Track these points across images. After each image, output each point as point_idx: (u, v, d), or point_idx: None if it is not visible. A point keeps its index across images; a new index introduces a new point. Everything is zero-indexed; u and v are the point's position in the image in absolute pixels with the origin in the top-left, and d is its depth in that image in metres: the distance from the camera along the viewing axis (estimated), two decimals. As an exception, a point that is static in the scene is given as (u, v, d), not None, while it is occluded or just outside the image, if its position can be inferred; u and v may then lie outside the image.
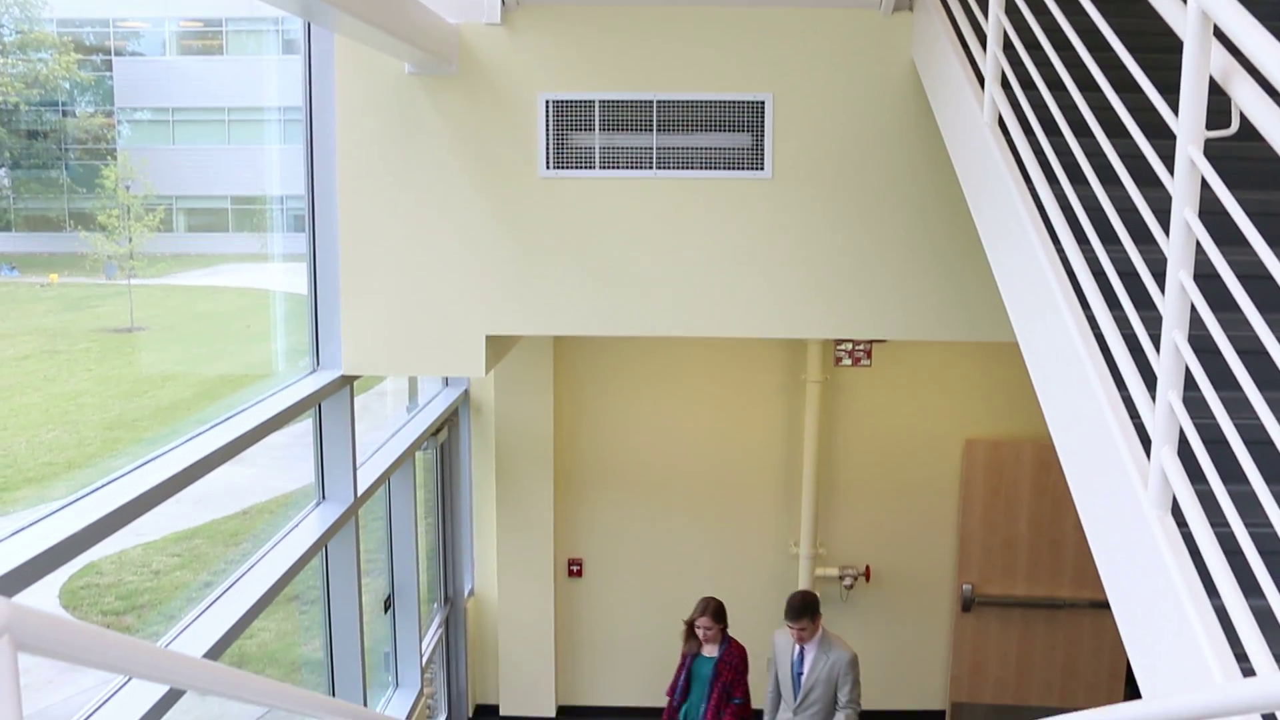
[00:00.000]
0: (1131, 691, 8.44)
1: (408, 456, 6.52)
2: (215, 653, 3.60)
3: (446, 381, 8.22)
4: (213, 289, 5.95)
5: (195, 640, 3.64)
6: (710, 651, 6.73)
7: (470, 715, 8.77)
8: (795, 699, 6.44)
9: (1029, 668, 8.86)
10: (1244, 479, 2.13)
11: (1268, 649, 2.04)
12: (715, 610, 6.68)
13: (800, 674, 6.40)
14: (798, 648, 6.42)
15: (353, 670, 5.42)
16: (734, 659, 6.71)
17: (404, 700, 6.94)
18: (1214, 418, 2.23)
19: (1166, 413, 2.37)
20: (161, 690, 3.16)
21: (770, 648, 6.68)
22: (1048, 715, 2.76)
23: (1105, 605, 8.90)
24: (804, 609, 6.28)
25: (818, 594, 6.59)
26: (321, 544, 4.88)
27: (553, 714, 8.88)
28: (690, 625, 6.76)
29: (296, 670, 6.10)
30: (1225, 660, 2.17)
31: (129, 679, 3.21)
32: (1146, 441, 2.53)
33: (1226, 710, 1.93)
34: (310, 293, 5.36)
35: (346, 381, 5.33)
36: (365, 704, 5.66)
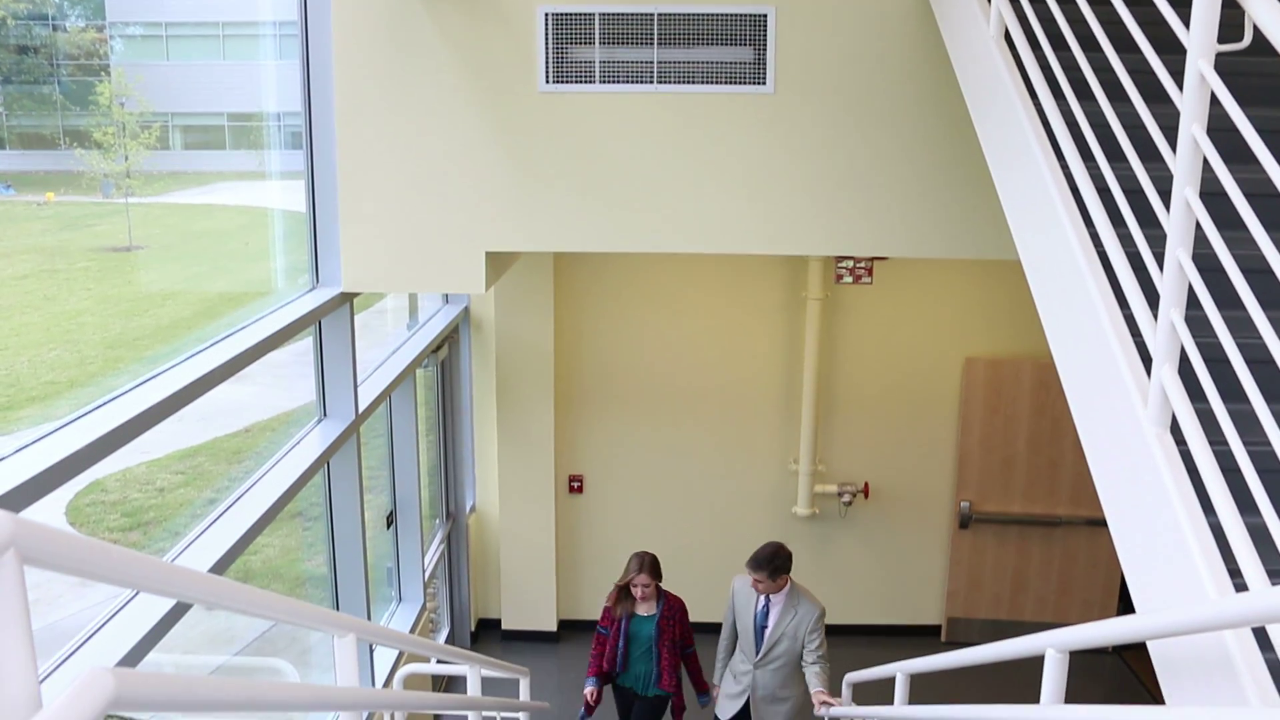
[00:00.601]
0: (1125, 608, 8.57)
1: (408, 374, 6.53)
2: (220, 568, 3.64)
3: (447, 299, 8.21)
4: (210, 207, 5.89)
5: (200, 556, 3.68)
6: (647, 610, 6.16)
7: (473, 629, 8.90)
8: (757, 652, 5.96)
9: (1024, 584, 8.98)
10: (1244, 398, 2.13)
11: (1261, 565, 2.06)
12: (652, 565, 6.08)
13: (764, 627, 5.92)
14: (763, 599, 5.93)
15: (356, 585, 5.49)
16: (677, 612, 6.21)
17: (407, 614, 7.03)
18: (1216, 336, 2.23)
19: (1168, 331, 2.37)
20: (168, 604, 3.20)
21: (729, 595, 6.14)
22: (1042, 630, 2.80)
23: (1101, 523, 9.00)
24: (769, 562, 5.72)
25: (791, 551, 5.90)
26: (323, 461, 4.91)
27: (554, 628, 9.02)
28: (624, 587, 6.11)
29: (301, 585, 6.18)
30: (1219, 576, 2.19)
31: (136, 593, 3.25)
32: (1147, 360, 2.53)
33: (1218, 624, 1.96)
34: (309, 210, 5.32)
35: (346, 299, 5.32)
36: (369, 618, 5.74)
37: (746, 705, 6.04)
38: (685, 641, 6.22)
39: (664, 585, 6.25)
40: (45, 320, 4.51)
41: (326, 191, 5.30)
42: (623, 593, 6.11)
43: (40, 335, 4.45)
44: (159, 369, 3.75)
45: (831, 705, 5.47)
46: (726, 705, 6.14)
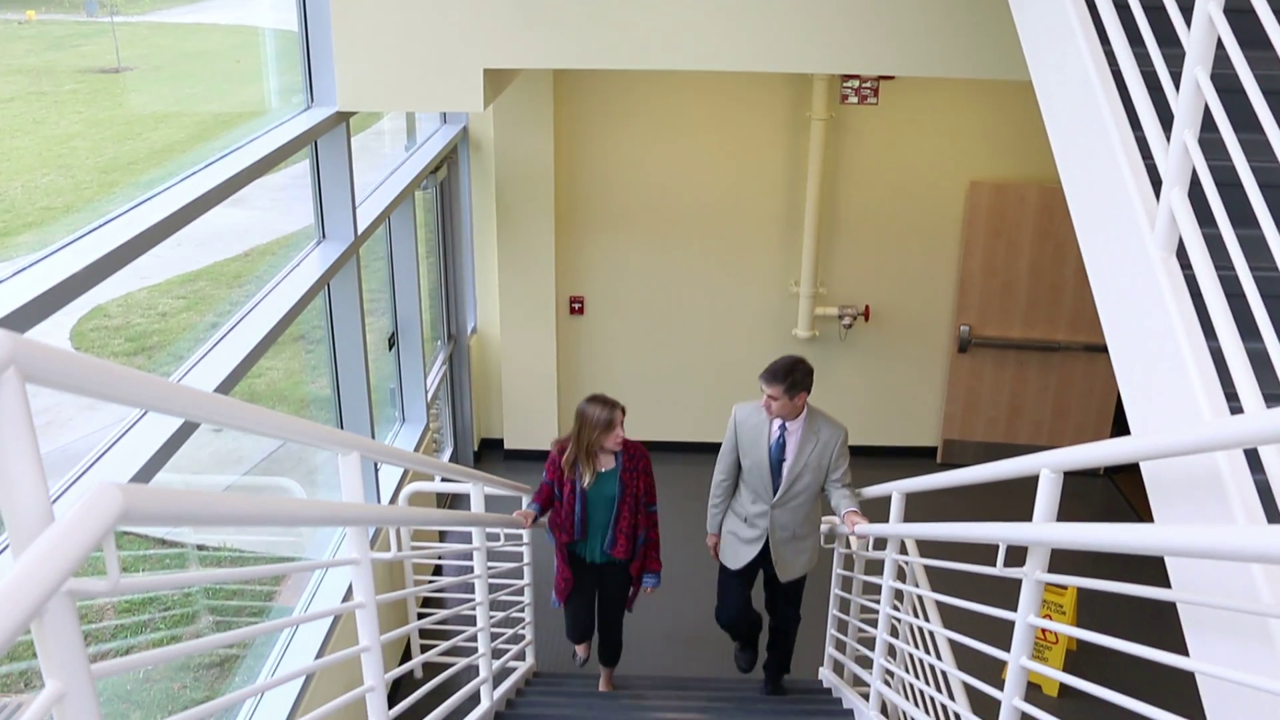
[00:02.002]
0: (1118, 434, 8.68)
1: (407, 195, 6.47)
2: (224, 389, 3.67)
3: (445, 119, 8.06)
4: (200, 26, 5.72)
5: (204, 378, 3.71)
6: (606, 464, 5.26)
7: (476, 449, 9.06)
8: (775, 492, 5.10)
9: (1020, 408, 9.10)
10: (1254, 223, 2.10)
11: (1258, 389, 2.07)
12: (620, 418, 5.19)
13: (782, 462, 5.05)
14: (777, 429, 5.04)
15: (360, 406, 5.55)
16: (640, 463, 5.30)
17: (411, 434, 7.15)
18: (1230, 159, 2.18)
19: (1180, 153, 2.32)
20: (175, 425, 3.24)
21: (729, 427, 5.22)
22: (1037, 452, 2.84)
23: (1099, 349, 9.07)
24: (787, 375, 4.83)
25: (811, 364, 5.02)
26: (323, 282, 4.90)
27: (556, 447, 9.17)
28: (587, 448, 5.17)
29: (305, 407, 6.26)
30: (1216, 399, 2.21)
31: (144, 414, 3.29)
32: (1156, 183, 2.49)
33: (1212, 445, 1.99)
34: (300, 27, 5.17)
35: (342, 118, 5.22)
36: (373, 438, 5.83)
37: (762, 551, 5.25)
38: (649, 497, 5.38)
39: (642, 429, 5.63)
40: (36, 145, 4.43)
41: (319, 7, 5.14)
42: (580, 450, 5.18)
43: (32, 160, 4.37)
44: (155, 191, 3.70)
45: (861, 525, 4.74)
46: (739, 552, 5.32)
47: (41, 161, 4.41)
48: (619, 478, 5.23)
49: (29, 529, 1.34)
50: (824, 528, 5.49)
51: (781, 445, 5.04)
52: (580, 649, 5.98)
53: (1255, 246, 2.14)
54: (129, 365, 1.68)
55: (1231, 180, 2.18)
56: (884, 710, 4.76)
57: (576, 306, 8.99)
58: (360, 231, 5.34)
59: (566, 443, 5.26)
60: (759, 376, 4.91)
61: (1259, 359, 2.11)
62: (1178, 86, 2.34)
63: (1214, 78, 2.25)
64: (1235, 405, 2.15)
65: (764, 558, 5.26)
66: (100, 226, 3.20)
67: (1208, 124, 2.28)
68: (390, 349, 6.96)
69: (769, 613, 5.64)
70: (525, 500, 5.57)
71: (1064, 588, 6.06)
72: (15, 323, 2.49)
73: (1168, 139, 2.40)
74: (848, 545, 5.32)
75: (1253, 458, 2.07)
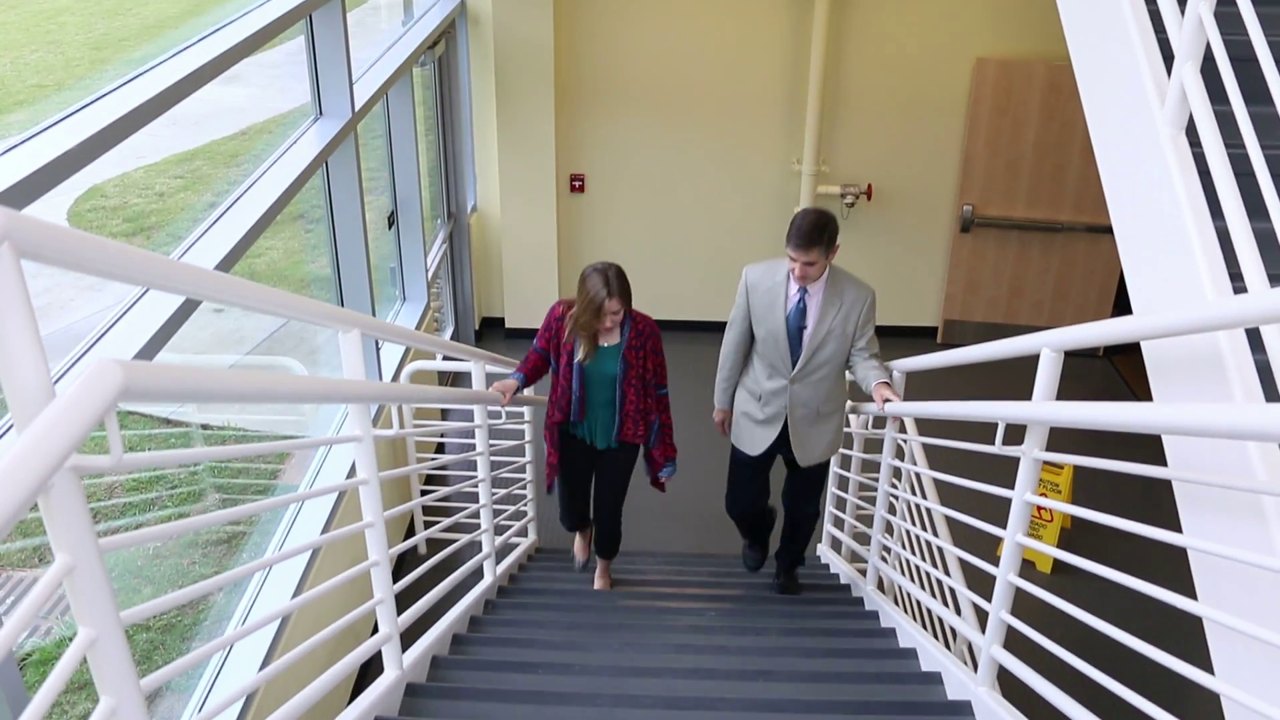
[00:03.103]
0: (1119, 316, 8.68)
1: (405, 70, 6.35)
2: (223, 268, 3.65)
3: (441, -9, 7.88)
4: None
5: (203, 257, 3.68)
6: (609, 339, 4.63)
7: (477, 328, 9.08)
8: (794, 365, 4.49)
9: (1021, 288, 9.08)
10: (1268, 99, 2.06)
11: (1263, 269, 2.06)
12: (622, 284, 4.48)
13: (803, 329, 4.43)
14: (796, 292, 4.42)
15: (360, 285, 5.53)
16: (647, 339, 4.67)
17: (412, 313, 7.15)
18: (1246, 34, 2.13)
19: (1195, 26, 2.27)
20: (175, 303, 3.23)
21: (739, 291, 4.61)
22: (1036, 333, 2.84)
23: (1102, 230, 9.02)
24: (820, 234, 4.19)
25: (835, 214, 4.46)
26: (321, 160, 4.84)
27: (557, 327, 9.18)
28: (595, 314, 4.45)
29: (306, 287, 6.24)
30: (1219, 279, 2.20)
31: (144, 293, 3.28)
32: (1169, 59, 2.44)
33: (1214, 325, 1.98)
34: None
35: (336, -10, 5.09)
36: (374, 317, 5.82)
37: (780, 433, 4.67)
38: (658, 378, 4.79)
39: (652, 305, 4.98)
40: (24, 20, 4.34)
41: None
42: (581, 321, 4.52)
43: (20, 36, 4.28)
44: (147, 67, 3.63)
45: (894, 402, 4.18)
46: (755, 436, 4.74)
47: (30, 38, 4.32)
48: (622, 355, 4.61)
49: (30, 406, 1.35)
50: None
51: (801, 310, 4.42)
52: (578, 547, 5.56)
53: (1268, 124, 2.10)
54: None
55: (1247, 55, 2.13)
56: (880, 586, 4.85)
57: (577, 184, 8.90)
58: (357, 108, 5.26)
59: (572, 304, 4.60)
60: (787, 243, 4.23)
61: (1265, 239, 2.09)
62: (1194, -44, 2.27)
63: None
64: (1239, 285, 2.14)
65: (782, 441, 4.68)
66: (92, 103, 3.15)
67: (1224, -3, 2.23)
68: (390, 228, 6.91)
69: (785, 502, 5.08)
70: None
71: (1060, 467, 6.13)
72: (9, 201, 2.46)
73: (1181, 11, 2.34)
74: (864, 425, 5.16)
75: (1254, 337, 2.07)
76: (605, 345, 4.62)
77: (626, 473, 5.00)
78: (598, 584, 5.45)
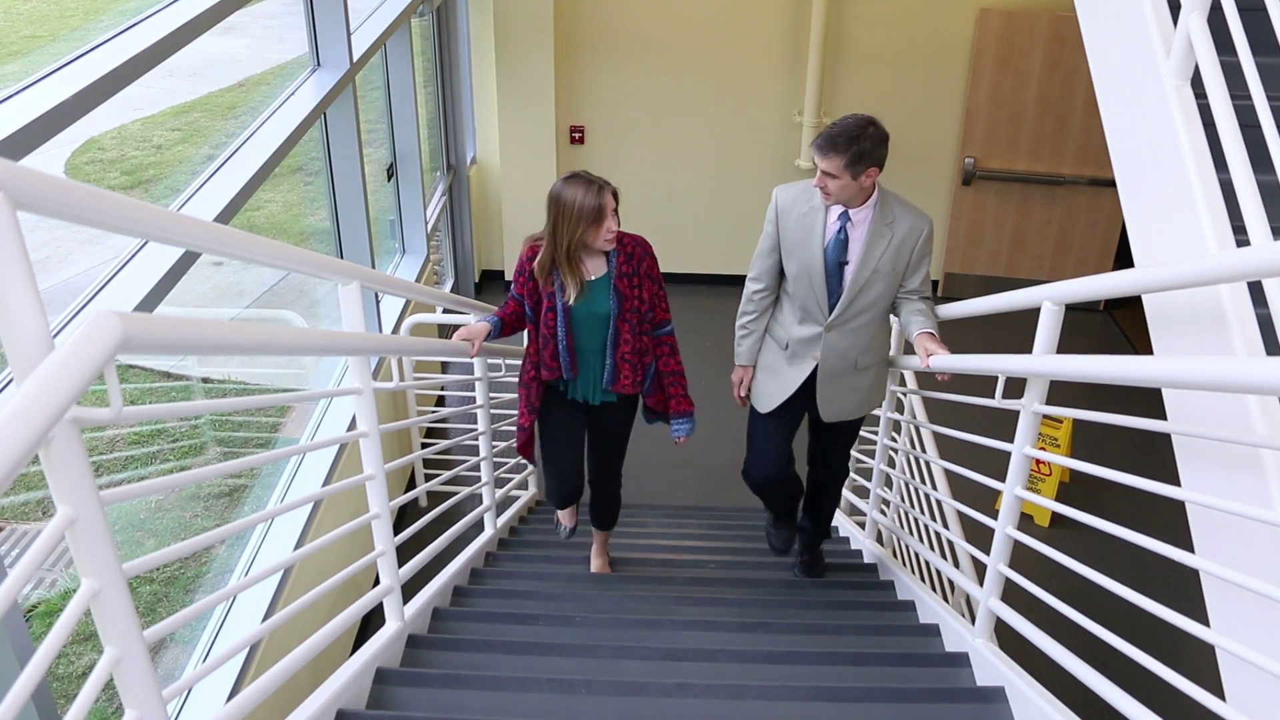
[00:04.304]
0: (1121, 270, 8.65)
1: (403, 20, 6.30)
2: (222, 221, 3.63)
3: (439, -59, 7.79)
4: None
5: (201, 208, 3.67)
6: (595, 270, 3.78)
7: (476, 280, 9.06)
8: (832, 309, 3.71)
9: (1023, 242, 9.05)
10: (1276, 49, 2.04)
11: (1266, 222, 2.05)
12: (613, 199, 3.68)
13: (844, 265, 3.65)
14: (835, 219, 3.63)
15: (359, 237, 5.52)
16: (641, 263, 3.80)
17: (411, 265, 7.13)
18: (1252, -19, 2.11)
19: (1202, -25, 2.24)
20: (174, 256, 3.22)
21: (768, 217, 3.81)
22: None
23: (1104, 183, 8.98)
24: (845, 140, 3.43)
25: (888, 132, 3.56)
26: (319, 111, 4.81)
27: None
28: (568, 250, 3.69)
29: (305, 240, 6.23)
30: (1223, 232, 2.19)
31: (144, 244, 3.26)
32: (1175, 9, 2.42)
33: (1217, 278, 1.97)
34: None
35: (333, -61, 5.03)
36: (373, 269, 5.81)
37: (807, 385, 3.90)
38: (657, 313, 3.90)
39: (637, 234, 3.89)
40: (16, -31, 4.30)
41: None
42: (559, 253, 3.71)
43: (12, -15, 4.24)
44: (142, 17, 3.59)
45: (940, 355, 3.49)
46: (773, 389, 3.98)
47: (22, -12, 4.28)
48: (611, 285, 3.76)
49: (29, 359, 1.34)
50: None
51: (842, 243, 3.64)
52: (564, 515, 4.61)
53: (1276, 75, 2.08)
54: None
55: (1255, 4, 2.11)
56: (879, 539, 4.87)
57: (577, 136, 8.85)
58: (355, 59, 5.22)
59: (540, 243, 3.82)
60: (811, 144, 3.54)
61: (1270, 191, 2.08)
62: (1203, -96, 2.24)
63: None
64: (1242, 238, 2.13)
65: (806, 394, 3.93)
66: (87, 54, 3.12)
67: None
68: (389, 180, 6.88)
69: (810, 464, 4.39)
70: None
71: (1060, 421, 6.15)
72: (4, 153, 2.44)
73: (1189, -40, 2.31)
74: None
75: (1256, 291, 2.07)
76: (592, 279, 3.77)
77: (625, 431, 4.20)
78: (595, 564, 4.72)
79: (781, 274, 3.87)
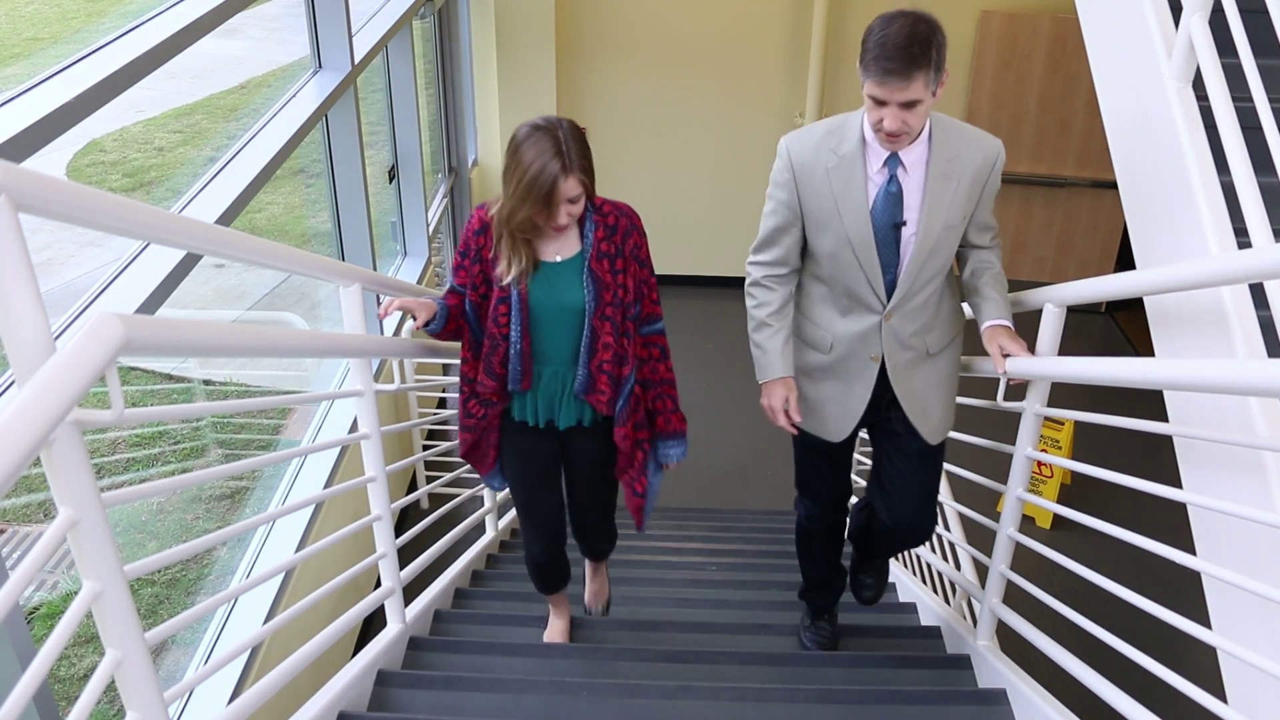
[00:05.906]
0: (1122, 272, 8.64)
1: (405, 22, 6.30)
2: (223, 223, 3.63)
3: (441, -57, 7.79)
4: None
5: (203, 211, 3.67)
6: (562, 249, 2.74)
7: (478, 283, 9.04)
8: (891, 288, 2.69)
9: (1024, 243, 9.04)
10: (1277, 51, 2.04)
11: (1268, 224, 2.05)
12: (582, 149, 2.62)
13: (901, 225, 2.63)
14: (883, 169, 2.63)
15: (361, 239, 5.51)
16: (625, 237, 2.79)
17: (413, 267, 7.13)
18: (1254, -17, 2.11)
19: (1203, -23, 2.24)
20: (176, 258, 3.22)
21: (777, 176, 2.75)
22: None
23: (1105, 185, 8.96)
24: (922, 45, 2.48)
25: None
26: (321, 113, 4.81)
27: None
28: (543, 203, 2.56)
29: (306, 242, 6.23)
30: (1224, 234, 2.19)
31: (145, 247, 3.27)
32: (1176, 10, 2.42)
33: (1218, 280, 1.97)
34: None
35: (335, -59, 5.04)
36: (375, 271, 5.81)
37: (877, 395, 2.82)
38: (645, 305, 2.86)
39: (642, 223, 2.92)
40: (18, -27, 4.31)
41: None
42: (517, 219, 2.61)
43: (15, -10, 4.25)
44: (143, 19, 3.59)
45: (1019, 357, 2.62)
46: (833, 411, 2.89)
47: (25, -9, 4.28)
48: (586, 268, 2.73)
49: (31, 361, 1.34)
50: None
51: (894, 196, 2.62)
52: (558, 629, 3.54)
53: (1276, 77, 2.08)
54: (124, 196, 1.65)
55: (1257, 7, 2.11)
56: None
57: (578, 138, 8.85)
58: (357, 61, 5.22)
59: (509, 232, 2.68)
60: (865, 71, 2.47)
61: (1271, 193, 2.08)
62: (1204, -94, 2.24)
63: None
64: (1244, 240, 2.13)
65: (877, 407, 2.86)
66: (88, 56, 3.12)
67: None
68: (391, 182, 6.88)
69: (880, 509, 3.06)
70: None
71: (1061, 423, 6.14)
72: (6, 155, 2.45)
73: (1190, -38, 2.31)
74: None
75: (1257, 293, 2.07)
76: (558, 260, 2.74)
77: (609, 459, 3.02)
78: (588, 598, 3.75)
79: (803, 254, 2.83)
